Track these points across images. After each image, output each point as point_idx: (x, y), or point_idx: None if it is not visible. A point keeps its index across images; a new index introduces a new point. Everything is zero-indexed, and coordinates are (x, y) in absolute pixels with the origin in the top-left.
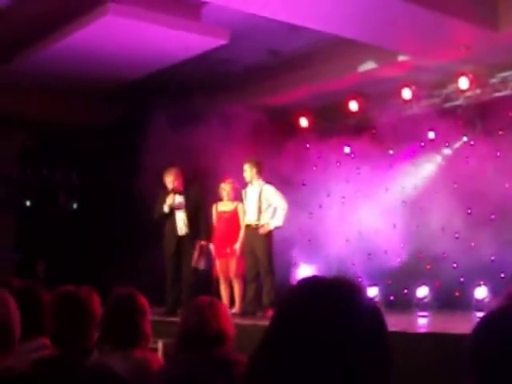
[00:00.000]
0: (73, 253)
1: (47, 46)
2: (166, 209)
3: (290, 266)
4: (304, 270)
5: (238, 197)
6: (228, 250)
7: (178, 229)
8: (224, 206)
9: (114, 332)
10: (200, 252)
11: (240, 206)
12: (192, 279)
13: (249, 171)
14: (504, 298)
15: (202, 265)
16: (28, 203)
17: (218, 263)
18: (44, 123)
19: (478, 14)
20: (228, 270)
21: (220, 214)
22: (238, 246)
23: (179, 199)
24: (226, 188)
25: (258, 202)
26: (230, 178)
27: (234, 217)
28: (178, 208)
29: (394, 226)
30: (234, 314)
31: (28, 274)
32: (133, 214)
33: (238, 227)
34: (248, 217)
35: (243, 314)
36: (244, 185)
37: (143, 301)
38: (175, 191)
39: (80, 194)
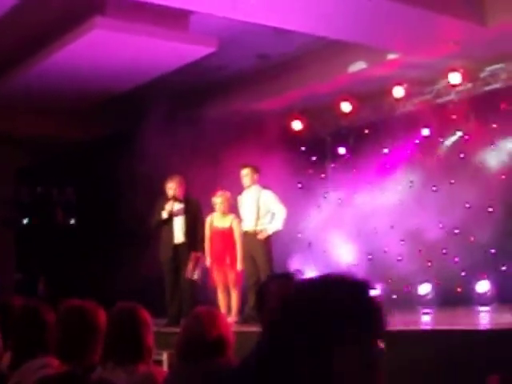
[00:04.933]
0: (72, 268)
1: (36, 63)
2: (164, 215)
3: (290, 270)
4: (306, 275)
5: (231, 207)
6: (228, 261)
7: (175, 236)
8: (219, 221)
9: (118, 347)
10: (195, 263)
11: (235, 221)
12: (191, 289)
13: (249, 176)
14: None
15: (196, 276)
16: (25, 221)
17: (215, 273)
18: (37, 140)
19: (465, 9)
20: (226, 279)
21: (216, 229)
22: (238, 258)
23: (178, 206)
24: (217, 201)
25: (256, 208)
26: (220, 190)
27: (230, 234)
28: (177, 214)
29: (393, 224)
30: (233, 322)
31: (29, 292)
32: (130, 226)
33: (234, 242)
34: (246, 223)
35: (245, 321)
36: (236, 191)
37: (146, 314)
38: (175, 198)
39: (77, 209)
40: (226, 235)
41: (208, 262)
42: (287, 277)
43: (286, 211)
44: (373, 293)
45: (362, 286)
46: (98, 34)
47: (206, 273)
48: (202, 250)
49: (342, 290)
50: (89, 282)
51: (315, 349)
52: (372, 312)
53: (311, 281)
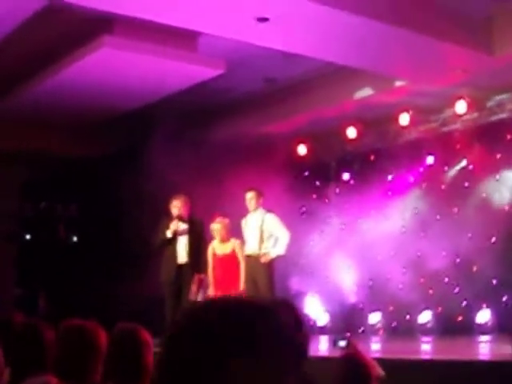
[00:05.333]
0: (73, 285)
1: (44, 80)
2: (169, 234)
3: (291, 295)
4: (307, 299)
5: (231, 232)
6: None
7: (179, 256)
8: (220, 248)
9: (118, 367)
10: (198, 285)
11: (237, 244)
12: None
13: (254, 200)
14: None
15: (199, 298)
16: (28, 237)
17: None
18: (43, 156)
19: (473, 38)
20: None
21: (218, 258)
22: (241, 279)
23: (183, 226)
24: (215, 227)
25: (259, 231)
26: (218, 216)
27: (233, 258)
28: (181, 234)
29: (395, 251)
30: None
31: (29, 308)
32: (133, 244)
33: (238, 267)
34: (249, 246)
35: None
36: (239, 213)
37: (146, 335)
38: (180, 218)
39: (79, 226)
40: (228, 261)
41: (211, 290)
42: (286, 304)
43: (290, 235)
44: (279, 320)
45: (265, 313)
46: (106, 52)
47: (208, 294)
48: (206, 271)
49: (241, 317)
50: (89, 299)
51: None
52: (271, 340)
53: (208, 305)
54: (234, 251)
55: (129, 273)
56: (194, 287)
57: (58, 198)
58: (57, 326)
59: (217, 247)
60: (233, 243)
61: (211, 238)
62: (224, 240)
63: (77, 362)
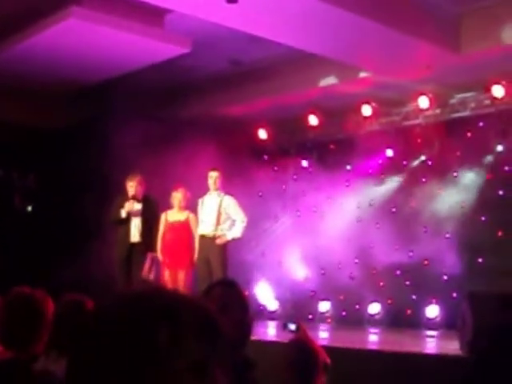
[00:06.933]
0: (23, 256)
1: (8, 48)
2: (123, 214)
3: (242, 278)
4: (259, 284)
5: (188, 206)
6: (180, 258)
7: (132, 235)
8: (175, 216)
9: (61, 338)
10: (151, 263)
11: (192, 216)
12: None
13: (217, 180)
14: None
15: (151, 276)
16: None
17: (166, 274)
18: (3, 123)
19: (440, 35)
20: (177, 280)
21: (171, 223)
22: (194, 255)
23: (138, 206)
24: (177, 196)
25: (217, 213)
26: (181, 186)
27: (185, 227)
28: (135, 215)
29: (349, 241)
30: None
31: None
32: (87, 220)
33: (190, 238)
34: (204, 227)
35: None
36: (196, 194)
37: (92, 307)
38: (135, 198)
39: (36, 196)
40: (181, 229)
41: (160, 258)
42: (231, 284)
43: (247, 220)
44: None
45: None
46: (73, 23)
47: (160, 272)
48: (158, 249)
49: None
50: (38, 270)
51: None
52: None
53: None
54: (187, 221)
55: (83, 246)
56: (146, 265)
57: (15, 166)
58: (5, 294)
59: (170, 215)
60: (187, 214)
61: (168, 208)
62: (181, 209)
63: (22, 331)
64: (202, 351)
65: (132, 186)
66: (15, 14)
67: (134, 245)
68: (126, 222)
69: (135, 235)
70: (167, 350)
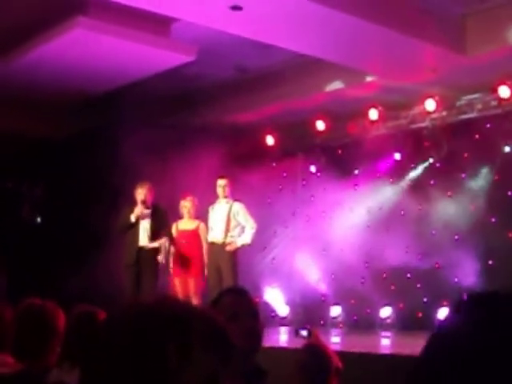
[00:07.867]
0: (33, 267)
1: (16, 58)
2: (132, 218)
3: (253, 285)
4: (269, 290)
5: (197, 214)
6: (191, 267)
7: (140, 239)
8: (185, 225)
9: (74, 349)
10: (167, 248)
11: (202, 225)
12: (153, 293)
13: (226, 187)
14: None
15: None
16: None
17: (176, 282)
18: (12, 134)
19: (446, 37)
20: (187, 288)
21: (181, 232)
22: (205, 263)
23: (146, 211)
24: (186, 205)
25: (226, 220)
26: (190, 195)
27: (195, 236)
28: (144, 218)
29: (359, 246)
30: None
31: None
32: (96, 229)
33: (200, 246)
34: (214, 234)
35: None
36: (206, 202)
37: (104, 318)
38: (144, 203)
39: (45, 207)
40: (189, 236)
41: (171, 268)
42: (241, 292)
43: (256, 226)
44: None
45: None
46: (79, 33)
47: (170, 256)
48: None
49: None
50: (47, 281)
51: None
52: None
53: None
54: (197, 230)
55: (92, 256)
56: (161, 252)
57: (24, 177)
58: (16, 306)
59: (180, 224)
60: (198, 223)
61: (178, 218)
62: (191, 218)
63: (34, 342)
64: (211, 363)
65: (141, 193)
66: (21, 25)
67: (142, 249)
68: (135, 225)
69: (144, 239)
70: (177, 362)
